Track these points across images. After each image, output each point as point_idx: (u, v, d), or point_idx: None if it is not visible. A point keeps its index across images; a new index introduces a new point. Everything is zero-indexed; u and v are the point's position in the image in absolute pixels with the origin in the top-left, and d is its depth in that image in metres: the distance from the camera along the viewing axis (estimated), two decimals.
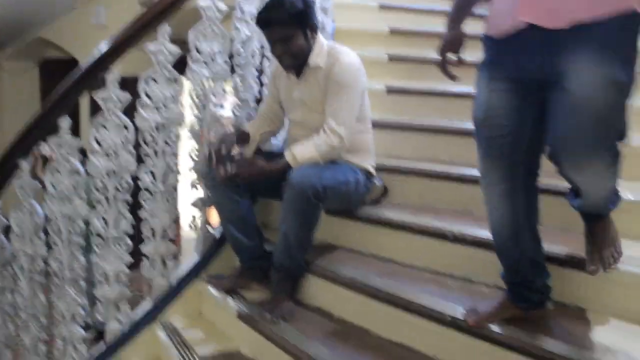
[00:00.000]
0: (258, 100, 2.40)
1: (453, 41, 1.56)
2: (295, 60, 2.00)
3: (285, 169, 1.90)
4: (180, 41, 2.16)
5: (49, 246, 2.15)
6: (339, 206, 2.07)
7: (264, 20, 1.98)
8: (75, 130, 2.14)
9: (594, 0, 1.23)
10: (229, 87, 2.33)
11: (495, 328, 1.49)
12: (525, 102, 1.38)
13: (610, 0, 1.22)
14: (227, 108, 2.36)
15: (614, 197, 1.50)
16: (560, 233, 1.77)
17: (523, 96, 1.37)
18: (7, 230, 2.26)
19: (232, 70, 2.31)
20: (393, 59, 2.83)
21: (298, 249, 1.92)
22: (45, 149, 2.12)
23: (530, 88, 1.35)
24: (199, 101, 2.22)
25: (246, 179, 1.97)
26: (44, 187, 2.13)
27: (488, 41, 1.42)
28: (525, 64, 1.33)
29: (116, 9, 5.20)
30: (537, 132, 1.39)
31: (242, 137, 2.11)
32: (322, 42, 2.05)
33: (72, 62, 5.72)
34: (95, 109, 2.14)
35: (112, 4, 5.23)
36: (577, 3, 1.24)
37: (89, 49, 5.38)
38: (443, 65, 1.57)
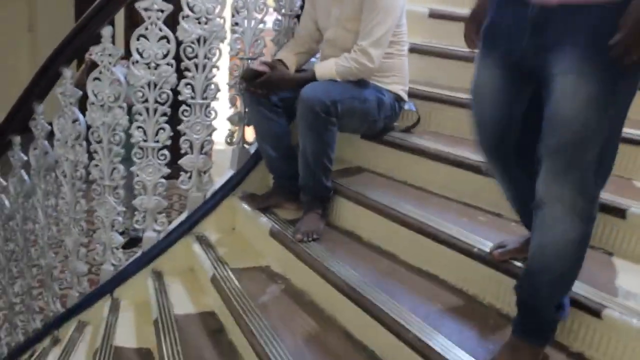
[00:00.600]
0: (298, 17, 2.40)
1: (476, 16, 1.45)
2: None
3: (308, 81, 1.94)
4: None
5: (90, 154, 2.26)
6: (360, 126, 2.12)
7: None
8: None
9: None
10: (271, 1, 2.34)
11: (519, 263, 1.55)
12: (513, 88, 1.32)
13: None
14: (268, 23, 2.37)
15: (562, 296, 1.36)
16: None
17: (512, 81, 1.31)
18: (50, 137, 2.38)
19: None
20: None
21: (317, 167, 1.98)
22: (95, 55, 2.17)
23: (521, 74, 1.29)
24: (241, 15, 2.24)
25: (272, 85, 2.02)
26: (86, 95, 2.22)
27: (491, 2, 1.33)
28: (514, 44, 1.25)
29: None
30: (527, 126, 1.33)
31: (272, 66, 2.12)
32: None
33: None
34: (132, 19, 2.17)
35: None
36: None
37: None
38: (468, 38, 1.50)
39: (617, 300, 1.40)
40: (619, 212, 1.62)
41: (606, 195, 1.66)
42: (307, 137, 1.94)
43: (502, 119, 1.36)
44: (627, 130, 1.82)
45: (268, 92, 2.07)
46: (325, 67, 2.00)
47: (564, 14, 1.16)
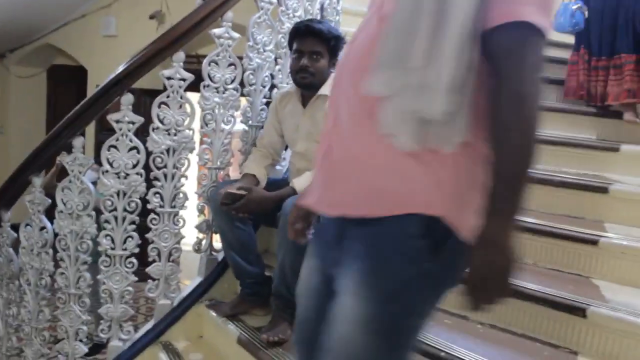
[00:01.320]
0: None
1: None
2: (312, 79, 2.12)
3: (285, 197, 2.00)
4: (190, 56, 2.26)
5: (56, 262, 2.25)
6: None
7: (303, 28, 2.12)
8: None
9: (363, 192, 1.03)
10: (237, 114, 2.44)
11: None
12: (327, 292, 1.14)
13: (384, 195, 1.01)
14: (235, 134, 2.47)
15: None
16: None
17: (327, 286, 1.15)
18: (16, 244, 2.36)
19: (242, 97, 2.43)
20: None
21: (293, 279, 2.00)
22: (65, 159, 2.22)
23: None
24: (209, 127, 2.33)
25: (252, 207, 2.07)
26: (54, 203, 2.24)
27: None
28: (327, 252, 1.17)
29: (126, 19, 5.35)
30: None
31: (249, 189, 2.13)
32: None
33: (80, 69, 5.87)
34: (102, 123, 2.24)
35: (122, 14, 5.38)
36: (343, 190, 1.06)
37: (98, 58, 5.58)
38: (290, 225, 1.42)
39: None
40: (580, 311, 1.67)
41: (566, 294, 1.72)
42: (288, 252, 1.95)
43: (315, 318, 1.20)
44: (585, 230, 1.94)
45: (249, 213, 2.11)
46: (304, 181, 2.06)
47: (353, 228, 1.06)
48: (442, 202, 1.00)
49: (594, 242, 1.89)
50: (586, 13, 2.80)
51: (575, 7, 2.81)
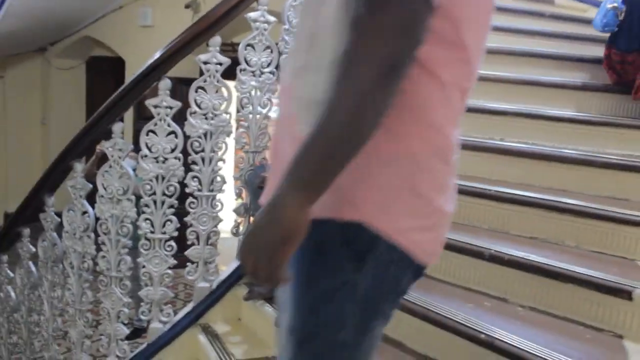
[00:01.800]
0: None
1: None
2: None
3: None
4: (226, 44, 2.29)
5: (97, 245, 2.31)
6: None
7: None
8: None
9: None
10: (275, 98, 2.46)
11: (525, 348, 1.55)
12: None
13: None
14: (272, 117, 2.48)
15: None
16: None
17: None
18: (59, 228, 2.43)
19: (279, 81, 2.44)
20: None
21: None
22: (105, 145, 2.27)
23: None
24: (246, 110, 2.35)
25: None
26: (95, 189, 2.29)
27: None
28: None
29: (162, 10, 5.43)
30: None
31: None
32: None
33: (118, 60, 5.99)
34: (140, 112, 2.27)
35: (158, 4, 5.46)
36: None
37: (135, 48, 5.69)
38: None
39: None
40: (625, 294, 1.63)
41: (611, 277, 1.68)
42: None
43: None
44: (630, 212, 1.89)
45: None
46: None
47: None
48: (358, 204, 0.88)
49: (638, 224, 1.84)
50: (621, 15, 2.65)
51: (610, 6, 2.64)
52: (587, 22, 3.14)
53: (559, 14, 3.47)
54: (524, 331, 1.65)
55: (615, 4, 2.61)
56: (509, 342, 1.58)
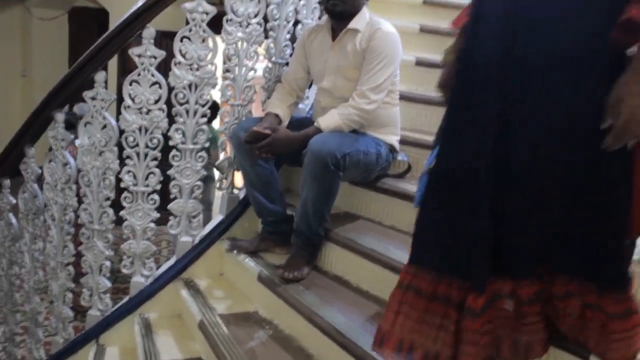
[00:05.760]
0: (288, 64, 2.52)
1: None
2: (344, 6, 2.12)
3: (310, 137, 2.03)
4: None
5: (79, 198, 2.33)
6: (359, 177, 2.20)
7: None
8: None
9: None
10: (261, 50, 2.45)
11: None
12: None
13: None
14: (259, 71, 2.49)
15: None
16: None
17: None
18: (40, 180, 2.45)
19: (266, 34, 2.44)
20: (424, 30, 2.92)
21: (315, 217, 2.06)
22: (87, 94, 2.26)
23: None
24: (232, 62, 2.35)
25: (276, 147, 2.11)
26: (76, 139, 2.30)
27: None
28: None
29: None
30: None
31: (274, 128, 2.18)
32: (366, 11, 2.16)
33: (101, 11, 5.90)
34: (124, 64, 2.27)
35: None
36: None
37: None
38: None
39: None
40: None
41: None
42: (312, 188, 2.00)
43: None
44: None
45: (273, 153, 2.15)
46: (330, 120, 2.09)
47: None
48: None
49: None
50: None
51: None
52: None
53: None
54: None
55: None
56: None
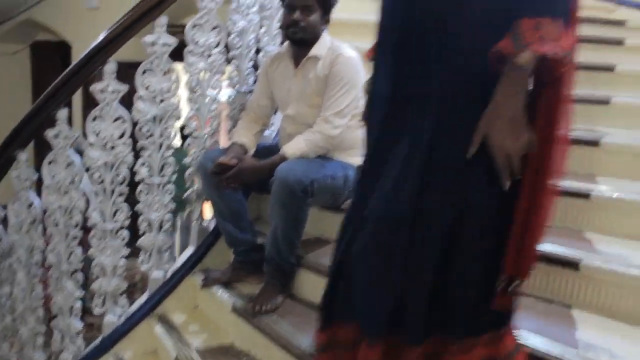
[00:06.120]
0: (252, 92, 2.53)
1: None
2: (304, 34, 2.14)
3: (277, 165, 2.04)
4: (175, 26, 2.29)
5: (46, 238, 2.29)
6: (328, 202, 2.21)
7: None
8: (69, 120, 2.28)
9: None
10: (224, 78, 2.46)
11: None
12: None
13: None
14: (222, 99, 2.49)
15: None
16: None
17: None
18: (4, 222, 2.40)
19: (228, 62, 2.45)
20: None
21: (285, 245, 2.05)
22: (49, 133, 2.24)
23: None
24: (196, 93, 2.35)
25: (243, 177, 2.11)
26: (41, 178, 2.27)
27: None
28: None
29: None
30: None
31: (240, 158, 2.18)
32: (327, 36, 2.19)
33: (63, 45, 5.86)
34: (88, 98, 2.26)
35: None
36: None
37: (81, 32, 5.56)
38: None
39: (578, 353, 1.46)
40: (573, 265, 1.71)
41: (559, 249, 1.76)
42: (280, 216, 2.00)
43: None
44: (575, 185, 1.98)
45: (240, 183, 2.15)
46: (296, 147, 2.10)
47: None
48: None
49: (585, 196, 1.92)
50: None
51: None
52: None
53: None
54: None
55: None
56: None
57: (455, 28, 1.14)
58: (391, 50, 1.24)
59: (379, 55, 1.31)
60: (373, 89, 1.32)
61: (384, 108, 1.25)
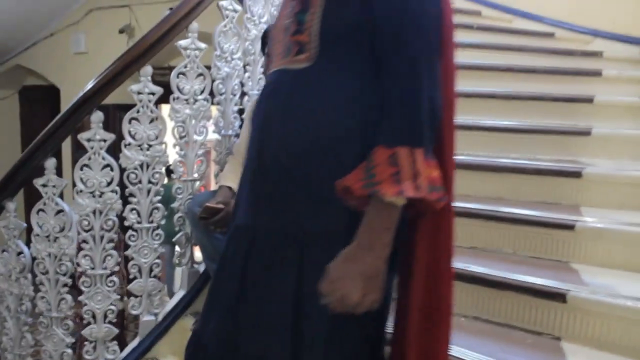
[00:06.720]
0: (238, 135, 2.56)
1: None
2: None
3: None
4: (162, 68, 2.32)
5: (35, 286, 2.29)
6: None
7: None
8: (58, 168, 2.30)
9: None
10: (210, 124, 2.49)
11: None
12: None
13: None
14: (209, 145, 2.52)
15: None
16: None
17: None
18: None
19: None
20: None
21: None
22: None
23: None
24: (182, 140, 2.38)
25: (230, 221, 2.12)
26: (30, 227, 2.27)
27: None
28: None
29: (96, 36, 5.40)
30: None
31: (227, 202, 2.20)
32: None
33: (52, 89, 5.91)
34: (78, 142, 2.28)
35: (92, 30, 5.42)
36: None
37: (69, 76, 5.63)
38: None
39: None
40: (560, 297, 1.73)
41: (546, 281, 1.78)
42: None
43: None
44: (561, 216, 2.01)
45: (227, 226, 2.15)
46: None
47: None
48: None
49: (570, 227, 1.95)
50: None
51: None
52: (513, 32, 3.52)
53: (486, 25, 3.65)
54: (468, 341, 1.72)
55: None
56: (453, 354, 1.65)
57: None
58: None
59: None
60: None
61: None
